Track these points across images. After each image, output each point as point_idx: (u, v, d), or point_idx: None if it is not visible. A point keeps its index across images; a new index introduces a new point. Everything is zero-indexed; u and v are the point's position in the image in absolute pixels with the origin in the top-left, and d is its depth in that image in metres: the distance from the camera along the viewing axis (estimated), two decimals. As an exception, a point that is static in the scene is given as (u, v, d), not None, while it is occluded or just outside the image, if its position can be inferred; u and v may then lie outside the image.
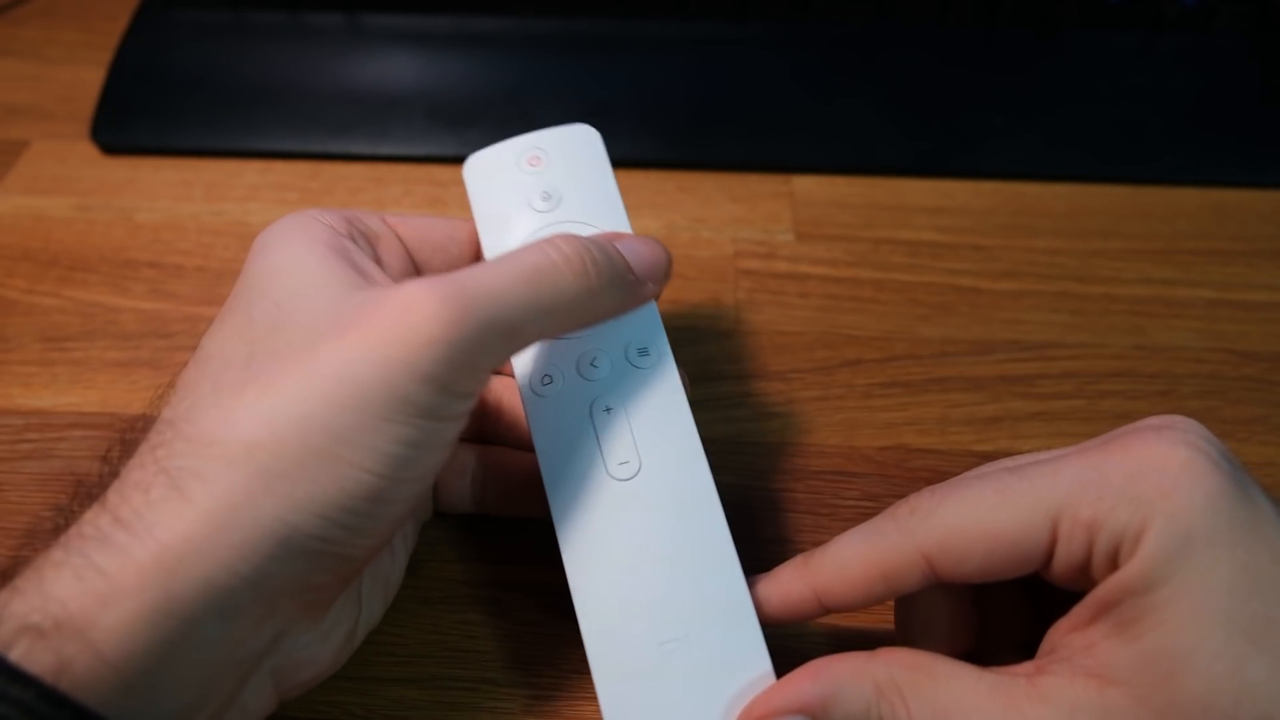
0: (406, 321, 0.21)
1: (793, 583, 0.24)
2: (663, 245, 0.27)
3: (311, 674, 0.24)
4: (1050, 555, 0.21)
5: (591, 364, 0.26)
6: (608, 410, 0.26)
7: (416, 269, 0.29)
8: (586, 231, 0.27)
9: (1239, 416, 0.34)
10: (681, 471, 0.25)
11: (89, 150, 0.44)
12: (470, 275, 0.23)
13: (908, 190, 0.42)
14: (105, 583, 0.19)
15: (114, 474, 0.22)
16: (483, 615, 0.29)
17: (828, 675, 0.22)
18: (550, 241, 0.24)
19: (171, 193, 0.42)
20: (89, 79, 0.46)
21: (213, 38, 0.46)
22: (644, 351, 0.26)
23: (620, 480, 0.25)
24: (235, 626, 0.20)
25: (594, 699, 0.27)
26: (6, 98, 0.47)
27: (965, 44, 0.46)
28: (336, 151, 0.43)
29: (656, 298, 0.27)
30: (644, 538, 0.24)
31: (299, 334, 0.22)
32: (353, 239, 0.26)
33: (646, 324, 0.27)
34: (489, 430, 0.30)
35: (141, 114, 0.44)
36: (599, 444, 0.25)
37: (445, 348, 0.21)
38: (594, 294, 0.24)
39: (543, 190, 0.29)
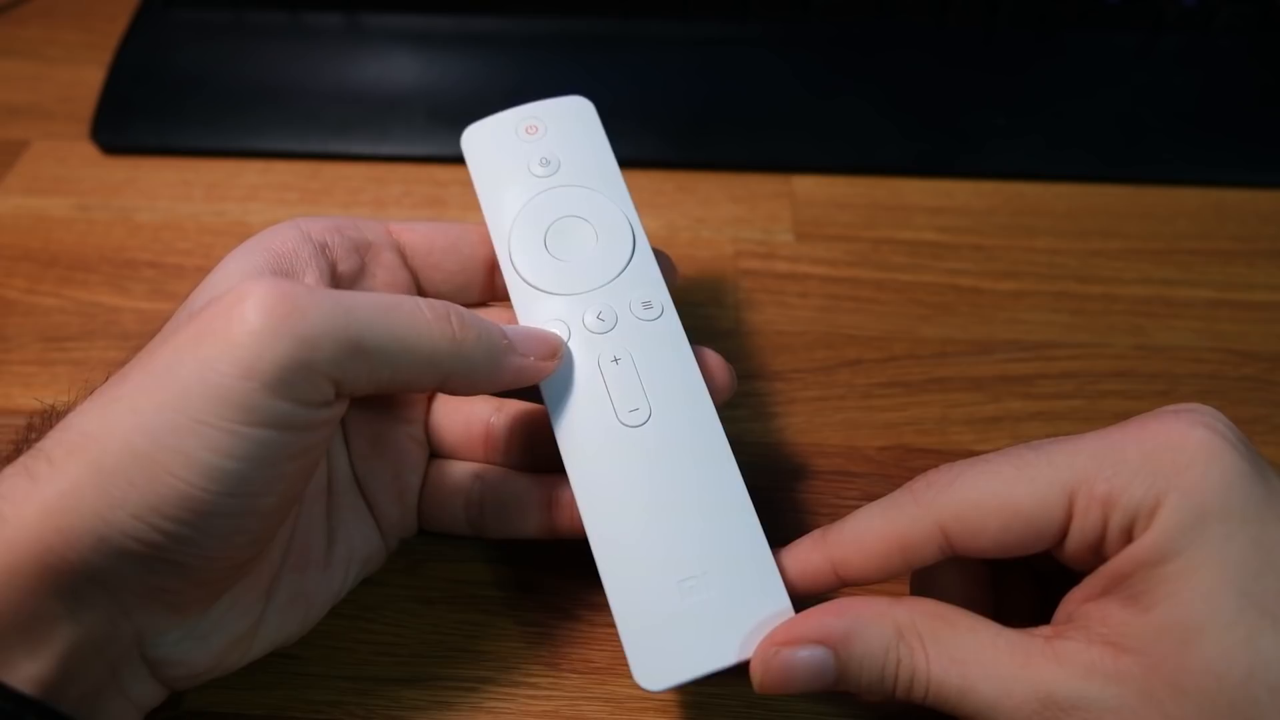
0: (232, 310, 0.21)
1: (811, 554, 0.24)
2: (556, 334, 0.26)
3: (184, 673, 0.23)
4: (1065, 531, 0.22)
5: (598, 318, 0.27)
6: (615, 361, 0.26)
7: (415, 276, 0.29)
8: (586, 194, 0.28)
9: (1239, 416, 0.33)
10: (690, 416, 0.26)
11: (89, 150, 0.44)
12: (323, 288, 0.22)
13: (908, 190, 0.42)
14: None
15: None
16: (483, 615, 0.29)
17: (851, 612, 0.23)
18: (419, 298, 0.24)
19: (171, 193, 0.42)
20: (89, 79, 0.46)
21: (213, 38, 0.46)
22: (648, 305, 0.27)
23: (631, 426, 0.25)
24: (85, 614, 0.20)
25: (594, 699, 0.27)
26: (6, 98, 0.47)
27: (965, 44, 0.46)
28: (336, 151, 0.43)
29: (546, 375, 0.26)
30: (657, 480, 0.25)
31: (166, 333, 0.23)
32: (325, 249, 0.26)
33: (647, 279, 0.28)
34: (492, 451, 0.29)
35: (141, 114, 0.44)
36: (609, 393, 0.26)
37: (270, 338, 0.20)
38: (458, 344, 0.23)
39: (541, 156, 0.29)
